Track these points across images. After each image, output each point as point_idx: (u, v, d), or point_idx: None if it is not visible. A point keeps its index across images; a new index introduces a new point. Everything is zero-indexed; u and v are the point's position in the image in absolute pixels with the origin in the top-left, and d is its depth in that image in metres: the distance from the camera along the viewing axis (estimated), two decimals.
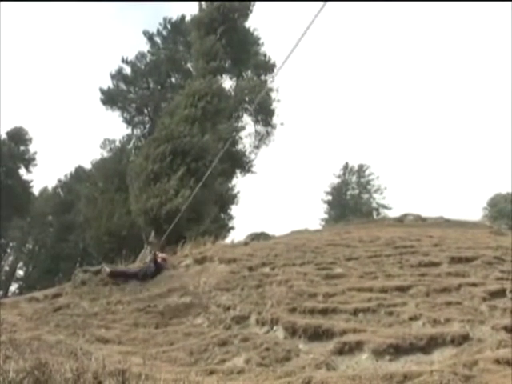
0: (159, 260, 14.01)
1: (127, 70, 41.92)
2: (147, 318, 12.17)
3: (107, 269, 14.61)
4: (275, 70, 37.04)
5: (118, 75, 41.01)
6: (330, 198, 63.41)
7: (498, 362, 7.35)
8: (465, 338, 8.59)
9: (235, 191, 36.83)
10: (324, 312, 10.51)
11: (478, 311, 9.79)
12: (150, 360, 9.25)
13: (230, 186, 35.96)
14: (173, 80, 42.14)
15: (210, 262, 16.86)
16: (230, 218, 37.10)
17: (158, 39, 43.45)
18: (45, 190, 59.33)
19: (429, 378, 6.80)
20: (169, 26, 43.23)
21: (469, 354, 7.96)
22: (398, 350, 8.47)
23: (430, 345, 8.57)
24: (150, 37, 43.11)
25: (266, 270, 14.59)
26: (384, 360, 8.27)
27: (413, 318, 9.71)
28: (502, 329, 8.78)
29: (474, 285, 11.34)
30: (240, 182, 36.76)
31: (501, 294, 10.74)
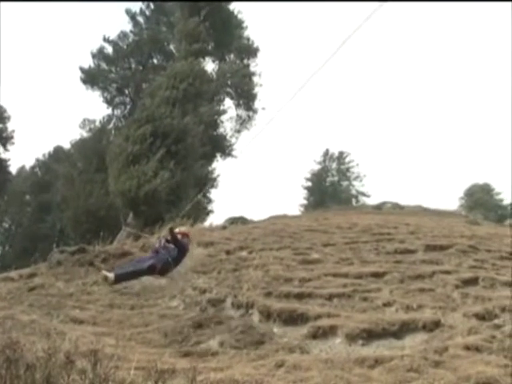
0: (180, 237, 8.82)
1: (109, 49, 41.27)
2: (123, 300, 12.13)
3: (110, 275, 8.25)
4: (258, 55, 36.94)
5: (99, 54, 40.32)
6: (309, 184, 63.52)
7: (468, 348, 7.50)
8: (436, 325, 8.74)
9: (215, 174, 36.80)
10: (299, 297, 10.59)
11: (451, 298, 9.96)
12: (125, 341, 9.25)
13: (210, 169, 35.88)
14: (155, 61, 41.60)
15: None
16: (210, 201, 37.02)
17: (140, 19, 42.73)
18: (22, 168, 58.43)
19: (400, 363, 6.92)
20: (152, 6, 42.57)
21: (440, 340, 8.10)
22: (370, 335, 8.58)
23: (402, 330, 8.71)
24: (132, 16, 42.41)
25: (243, 253, 14.62)
26: (357, 344, 8.39)
27: (386, 304, 9.84)
28: (473, 316, 8.95)
29: (448, 272, 11.52)
30: (220, 166, 36.64)
31: (473, 282, 10.93)
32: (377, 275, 11.56)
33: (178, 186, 25.51)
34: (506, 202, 58.34)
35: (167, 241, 8.53)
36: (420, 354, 7.12)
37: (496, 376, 6.21)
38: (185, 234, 9.11)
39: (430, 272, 11.47)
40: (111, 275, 7.97)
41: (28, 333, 8.57)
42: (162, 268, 8.20)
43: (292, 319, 9.32)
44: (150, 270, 8.24)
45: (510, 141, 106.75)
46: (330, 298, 10.20)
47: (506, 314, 8.70)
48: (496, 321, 8.44)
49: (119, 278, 8.43)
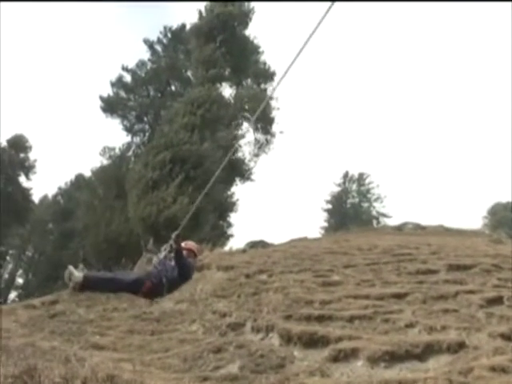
0: (185, 254, 6.69)
1: (127, 77, 41.99)
2: (142, 325, 12.12)
3: (78, 274, 5.80)
4: (275, 79, 37.28)
5: (118, 83, 41.07)
6: (329, 206, 63.21)
7: (493, 369, 7.28)
8: (461, 346, 8.52)
9: (234, 199, 36.86)
10: (320, 319, 10.45)
11: (475, 318, 9.72)
12: (144, 366, 9.21)
13: (229, 193, 35.97)
14: (173, 88, 42.19)
15: (208, 269, 16.81)
16: (229, 225, 37.03)
17: (158, 47, 43.52)
18: (45, 197, 59.30)
19: None
20: (169, 35, 43.33)
21: (464, 361, 7.89)
22: (393, 358, 8.39)
23: (425, 352, 8.51)
24: (150, 45, 43.21)
25: (263, 277, 14.53)
26: (379, 367, 8.20)
27: (409, 326, 9.64)
28: (498, 336, 8.71)
29: (472, 292, 11.27)
30: (239, 190, 36.73)
31: (498, 301, 10.67)
32: (398, 296, 11.36)
33: (198, 210, 25.56)
34: None
35: (170, 251, 6.45)
36: (444, 375, 6.93)
37: None
38: (191, 251, 6.92)
39: (453, 292, 11.24)
40: (79, 275, 5.50)
41: (47, 359, 8.56)
42: (150, 288, 6.06)
43: (313, 342, 9.17)
44: (133, 287, 6.11)
45: None
46: (351, 320, 10.04)
47: None
48: None
49: (87, 282, 5.68)
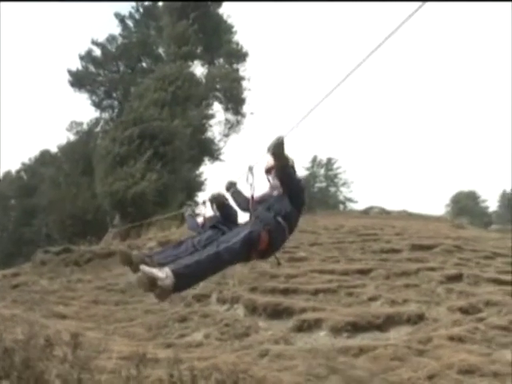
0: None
1: (97, 52, 41.01)
2: (107, 296, 12.04)
3: (162, 275, 3.35)
4: (247, 60, 37.08)
5: (88, 57, 40.12)
6: None
7: (451, 338, 7.52)
8: (421, 318, 8.76)
9: (203, 178, 36.71)
10: (285, 292, 10.57)
11: (435, 293, 9.98)
12: (108, 335, 9.18)
13: (197, 172, 35.79)
14: (143, 64, 41.48)
15: None
16: (197, 204, 36.82)
17: (129, 22, 42.70)
18: (8, 173, 57.96)
19: (384, 352, 6.92)
20: (141, 10, 42.51)
21: (424, 331, 8.11)
22: (355, 328, 8.57)
23: (386, 323, 8.71)
24: (121, 19, 42.28)
25: None
26: (342, 337, 8.37)
27: (371, 299, 9.85)
28: (457, 310, 8.98)
29: (433, 269, 11.56)
30: (208, 170, 36.54)
31: (458, 278, 10.97)
32: (362, 272, 11.57)
33: (166, 188, 25.41)
34: (491, 209, 59.10)
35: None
36: (404, 344, 7.13)
37: (478, 364, 6.23)
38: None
39: (414, 269, 11.50)
40: (164, 276, 3.41)
41: (9, 326, 8.48)
42: (268, 241, 4.11)
43: (277, 313, 9.29)
44: (247, 247, 3.98)
45: (496, 149, 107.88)
46: (316, 293, 10.19)
47: (490, 308, 8.74)
48: (479, 314, 8.47)
49: (180, 282, 3.60)
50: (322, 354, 6.83)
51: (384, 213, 30.26)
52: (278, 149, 4.06)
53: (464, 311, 8.78)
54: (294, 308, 9.28)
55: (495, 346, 7.14)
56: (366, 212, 30.70)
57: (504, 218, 50.31)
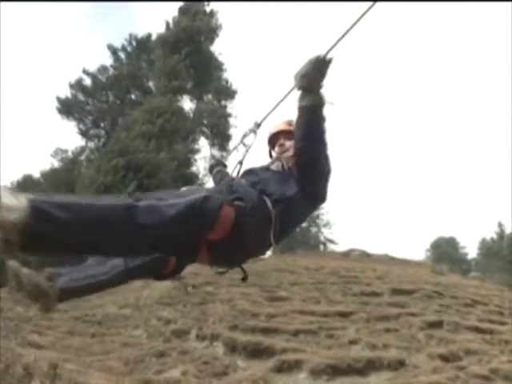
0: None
1: (87, 81, 41.28)
2: (84, 327, 11.82)
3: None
4: (235, 97, 37.61)
5: (78, 85, 40.33)
6: None
7: None
8: (401, 364, 8.73)
9: None
10: (265, 331, 10.47)
11: (416, 339, 9.98)
12: (84, 367, 8.98)
13: None
14: (133, 96, 41.86)
15: None
16: None
17: (121, 54, 43.16)
18: None
19: None
20: (134, 43, 43.08)
21: (404, 378, 8.08)
22: (335, 371, 8.51)
23: (367, 368, 8.66)
24: (114, 51, 42.80)
25: (210, 288, 14.46)
26: (321, 380, 8.29)
27: (352, 342, 9.80)
28: (437, 357, 8.97)
29: (413, 315, 11.58)
30: None
31: (438, 325, 11.00)
32: (343, 315, 11.54)
33: None
34: (471, 256, 59.67)
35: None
36: None
37: None
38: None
39: (395, 314, 11.51)
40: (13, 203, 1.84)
41: None
42: (233, 221, 2.29)
43: (257, 352, 9.19)
44: (194, 216, 2.19)
45: (474, 196, 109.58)
46: (296, 333, 10.12)
47: (470, 357, 8.76)
48: (460, 362, 8.48)
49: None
50: None
51: (365, 255, 30.37)
52: (317, 72, 2.54)
53: (444, 358, 8.78)
54: (274, 348, 9.19)
55: None
56: (347, 254, 30.77)
57: (483, 265, 50.79)
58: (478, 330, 10.64)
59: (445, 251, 53.05)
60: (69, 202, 2.02)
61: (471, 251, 63.05)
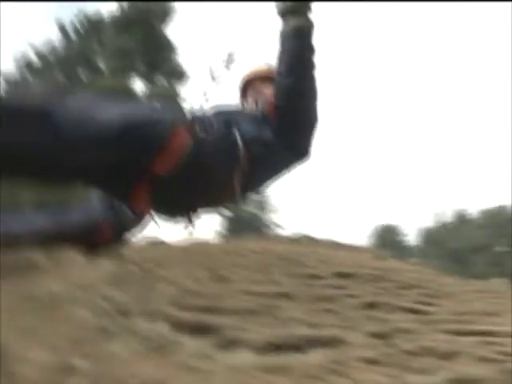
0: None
1: (34, 57, 40.38)
2: (26, 304, 11.70)
3: None
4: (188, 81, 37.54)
5: (23, 61, 39.43)
6: (226, 212, 64.20)
7: (366, 361, 7.89)
8: (338, 342, 9.09)
9: None
10: (210, 310, 10.63)
11: (353, 319, 10.40)
12: (28, 344, 8.94)
13: None
14: (81, 75, 41.12)
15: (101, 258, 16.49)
16: None
17: (71, 32, 42.31)
18: None
19: (301, 371, 7.20)
20: (84, 21, 42.28)
21: (340, 354, 8.46)
22: (276, 348, 8.78)
23: (306, 345, 8.98)
24: (62, 28, 41.86)
25: (155, 267, 14.52)
26: (263, 356, 8.55)
27: (293, 321, 10.13)
28: (371, 335, 9.40)
29: (352, 296, 12.02)
30: None
31: (374, 306, 11.46)
32: (286, 295, 11.84)
33: None
34: (412, 242, 62.10)
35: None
36: (321, 364, 7.43)
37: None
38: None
39: (335, 295, 11.92)
40: None
41: None
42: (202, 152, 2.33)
43: (201, 330, 9.36)
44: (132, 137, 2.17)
45: (414, 185, 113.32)
46: (240, 312, 10.35)
47: (402, 335, 9.22)
48: (392, 340, 8.94)
49: None
50: (242, 372, 7.00)
51: (311, 240, 30.98)
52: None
53: (378, 336, 9.22)
54: (217, 326, 9.39)
55: (405, 370, 7.58)
56: (294, 238, 31.36)
57: (424, 252, 52.91)
58: (412, 310, 11.17)
59: (387, 238, 54.97)
60: None
61: (413, 239, 65.74)
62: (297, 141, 2.45)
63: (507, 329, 10.70)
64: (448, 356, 8.26)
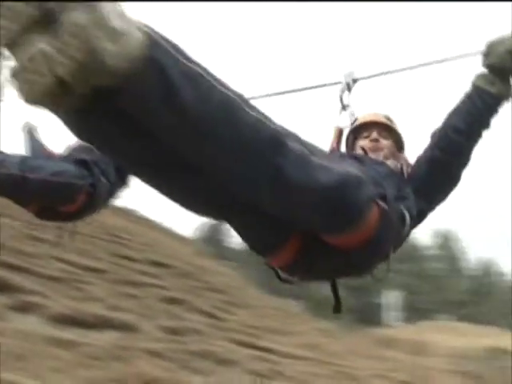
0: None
1: None
2: None
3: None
4: None
5: None
6: None
7: (150, 352, 8.53)
8: (131, 328, 9.62)
9: None
10: (15, 269, 10.49)
11: (152, 309, 11.01)
12: None
13: None
14: None
15: None
16: None
17: None
18: None
19: (86, 350, 7.61)
20: None
21: (129, 341, 8.99)
22: (71, 322, 9.04)
23: (101, 325, 9.36)
24: None
25: None
26: (55, 327, 8.76)
27: (94, 299, 10.44)
28: (168, 329, 10.08)
29: (159, 287, 12.64)
30: None
31: (177, 302, 12.19)
32: (96, 271, 12.08)
33: None
34: (235, 245, 63.86)
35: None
36: (106, 346, 7.90)
37: (163, 380, 7.31)
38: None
39: (143, 282, 12.44)
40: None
41: None
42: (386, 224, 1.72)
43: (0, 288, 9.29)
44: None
45: None
46: (46, 278, 10.39)
47: (192, 336, 10.04)
48: (181, 338, 9.71)
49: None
50: (28, 340, 7.19)
51: (141, 218, 30.76)
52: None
53: (170, 332, 9.92)
54: (17, 286, 9.38)
55: (184, 369, 8.35)
56: (124, 212, 30.84)
57: (244, 258, 54.91)
58: (208, 314, 12.10)
59: (212, 236, 55.92)
60: (200, 75, 1.27)
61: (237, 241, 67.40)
62: (436, 199, 2.21)
63: (285, 349, 12.09)
64: (224, 363, 9.23)
